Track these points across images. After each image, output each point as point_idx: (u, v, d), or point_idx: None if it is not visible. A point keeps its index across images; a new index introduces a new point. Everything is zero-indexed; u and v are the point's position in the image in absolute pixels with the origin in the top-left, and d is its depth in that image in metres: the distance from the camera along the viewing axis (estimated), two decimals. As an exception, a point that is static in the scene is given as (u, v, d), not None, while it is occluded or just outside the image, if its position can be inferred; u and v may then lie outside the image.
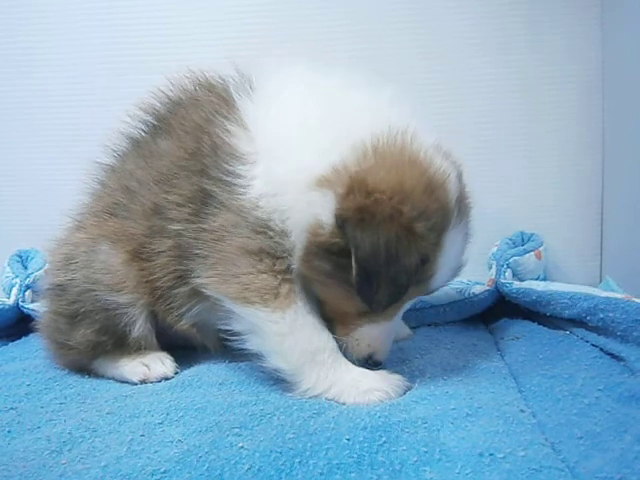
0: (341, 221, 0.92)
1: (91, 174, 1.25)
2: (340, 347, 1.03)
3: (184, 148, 1.09)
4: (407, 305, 1.04)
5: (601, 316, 1.15)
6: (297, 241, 0.98)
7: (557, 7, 1.61)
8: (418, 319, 1.43)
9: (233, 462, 0.77)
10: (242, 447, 0.82)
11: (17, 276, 1.57)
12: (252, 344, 1.03)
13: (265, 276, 1.00)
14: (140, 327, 1.13)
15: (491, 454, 0.73)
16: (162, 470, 0.77)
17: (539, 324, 1.30)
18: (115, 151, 1.23)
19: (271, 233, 0.99)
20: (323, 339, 1.01)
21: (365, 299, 0.94)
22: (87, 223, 1.20)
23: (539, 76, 1.64)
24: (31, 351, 1.36)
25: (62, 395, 1.09)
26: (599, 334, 1.16)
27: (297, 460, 0.77)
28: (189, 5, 1.70)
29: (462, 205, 0.99)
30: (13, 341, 1.51)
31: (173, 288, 1.11)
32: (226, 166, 1.02)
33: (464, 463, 0.72)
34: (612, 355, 1.09)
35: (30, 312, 1.52)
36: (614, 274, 1.54)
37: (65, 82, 1.75)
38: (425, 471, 0.72)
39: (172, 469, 0.77)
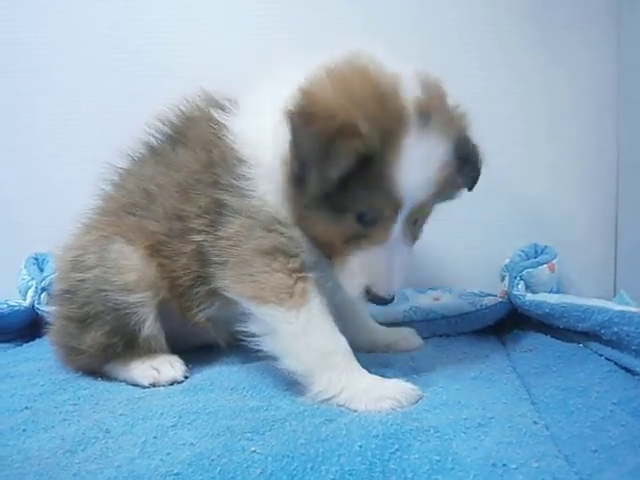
0: (290, 126, 0.96)
1: (104, 176, 1.28)
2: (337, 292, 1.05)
3: (198, 161, 1.14)
4: (395, 226, 0.98)
5: (615, 330, 1.14)
6: None
7: (575, 18, 1.62)
8: (429, 330, 1.42)
9: (245, 466, 0.78)
10: (254, 451, 0.82)
11: (33, 278, 1.59)
12: (267, 345, 1.05)
13: (280, 275, 1.03)
14: (150, 326, 1.15)
15: (504, 464, 0.73)
16: (175, 472, 0.77)
17: (552, 337, 1.29)
18: (131, 156, 1.27)
19: (281, 228, 1.04)
20: (337, 342, 1.02)
21: (298, 187, 0.97)
22: (98, 223, 1.22)
23: (557, 90, 1.64)
24: (45, 352, 1.37)
25: (75, 396, 1.10)
26: (613, 348, 1.15)
27: (309, 466, 0.77)
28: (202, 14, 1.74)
29: (426, 116, 0.95)
30: (27, 342, 1.53)
31: (192, 287, 1.15)
32: (235, 170, 1.07)
33: (477, 473, 0.72)
34: (626, 369, 1.09)
35: (45, 314, 1.53)
36: (628, 287, 1.53)
37: (82, 87, 1.77)
38: (437, 480, 0.72)
39: (184, 471, 0.77)
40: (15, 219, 1.82)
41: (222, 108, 1.16)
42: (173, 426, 0.93)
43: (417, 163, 0.94)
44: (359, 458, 0.77)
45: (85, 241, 1.20)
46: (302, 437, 0.86)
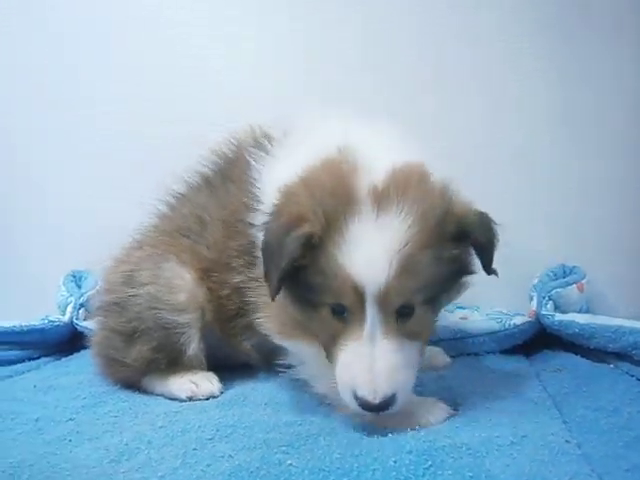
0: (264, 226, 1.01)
1: (159, 198, 1.35)
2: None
3: (240, 200, 1.18)
4: (367, 318, 0.91)
5: (647, 350, 1.15)
6: None
7: (606, 39, 1.63)
8: (458, 349, 1.43)
9: (283, 479, 0.81)
10: (291, 465, 0.85)
11: (72, 295, 1.66)
12: (300, 374, 1.11)
13: None
14: (195, 347, 1.20)
15: (537, 483, 0.74)
16: (216, 483, 0.80)
17: (582, 356, 1.30)
18: (187, 181, 1.33)
19: None
20: None
21: (266, 282, 0.98)
22: (151, 240, 1.28)
23: (585, 109, 1.66)
24: (84, 366, 1.43)
25: (116, 409, 1.15)
26: (645, 369, 1.15)
27: None
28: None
29: (381, 202, 0.92)
30: (66, 356, 1.59)
31: (235, 317, 1.21)
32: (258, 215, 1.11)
33: (511, 490, 0.73)
34: (658, 390, 1.09)
35: (83, 329, 1.59)
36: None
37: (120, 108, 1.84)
38: (472, 497, 0.73)
39: (225, 483, 0.80)
40: (52, 238, 1.89)
41: (262, 149, 1.20)
42: (211, 439, 0.97)
43: (366, 246, 0.90)
44: (394, 473, 0.79)
45: (137, 257, 1.26)
46: (336, 452, 0.88)
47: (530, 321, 1.43)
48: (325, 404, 1.07)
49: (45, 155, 1.89)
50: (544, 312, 1.41)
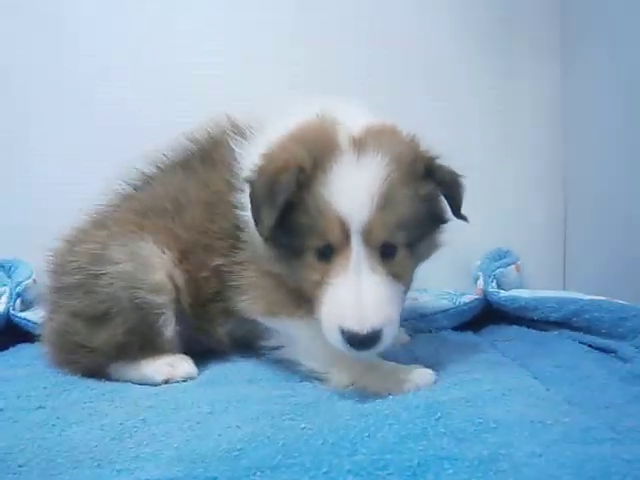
0: (249, 187, 1.05)
1: (122, 177, 1.29)
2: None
3: (223, 181, 1.19)
4: (352, 252, 0.96)
5: (587, 317, 1.30)
6: None
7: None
8: (414, 327, 1.51)
9: (305, 438, 0.81)
10: (304, 428, 0.86)
11: (5, 284, 1.51)
12: (288, 354, 1.13)
13: (286, 291, 1.10)
14: (171, 330, 1.16)
15: (540, 421, 0.82)
16: (238, 448, 0.79)
17: (527, 327, 1.44)
18: (158, 164, 1.31)
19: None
20: None
21: (258, 227, 1.02)
22: (118, 220, 1.21)
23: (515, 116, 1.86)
24: (29, 359, 1.30)
25: (86, 396, 1.06)
26: (585, 333, 1.31)
27: (365, 435, 0.82)
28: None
29: (359, 148, 1.01)
30: (0, 351, 1.44)
31: (212, 301, 1.19)
32: (242, 197, 1.13)
33: (520, 429, 0.80)
34: (600, 349, 1.24)
35: (20, 321, 1.46)
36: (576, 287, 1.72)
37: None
38: (487, 437, 0.79)
39: (247, 447, 0.79)
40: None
41: (243, 136, 1.22)
42: (210, 413, 0.94)
43: (349, 184, 0.98)
44: (410, 425, 0.83)
45: (104, 235, 1.18)
46: (345, 415, 0.90)
47: (478, 298, 1.54)
48: (310, 379, 1.09)
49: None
50: (490, 289, 1.53)
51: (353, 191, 0.97)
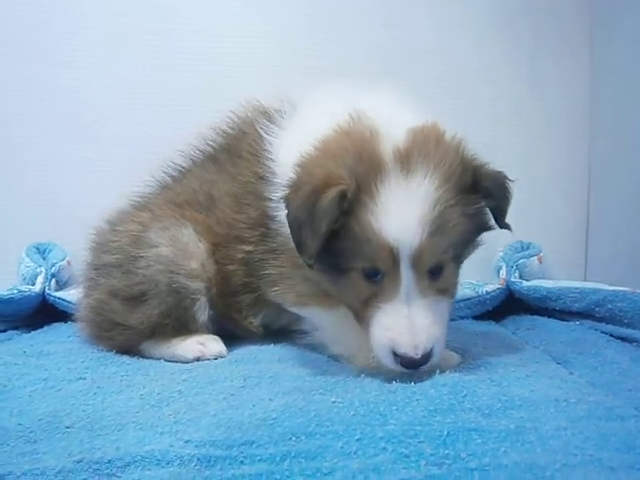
0: (285, 204, 1.02)
1: (161, 168, 1.35)
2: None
3: (251, 171, 1.20)
4: (402, 278, 0.94)
5: (609, 307, 1.32)
6: None
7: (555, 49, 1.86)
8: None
9: (336, 410, 0.85)
10: (335, 402, 0.89)
11: (41, 265, 1.56)
12: (316, 338, 1.17)
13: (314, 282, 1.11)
14: (205, 314, 1.20)
15: (565, 400, 0.85)
16: (273, 417, 0.82)
17: (549, 317, 1.45)
18: (191, 158, 1.34)
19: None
20: None
21: (300, 253, 0.98)
22: (159, 206, 1.25)
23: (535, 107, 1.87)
24: (65, 336, 1.37)
25: (123, 369, 1.11)
26: (607, 323, 1.32)
27: (394, 408, 0.84)
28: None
29: (406, 162, 0.96)
30: (35, 330, 1.49)
31: (239, 293, 1.23)
32: (274, 187, 1.12)
33: (546, 406, 0.83)
34: (621, 339, 1.25)
35: (55, 300, 1.51)
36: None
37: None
38: (512, 413, 0.82)
39: (281, 416, 0.83)
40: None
41: (271, 121, 1.21)
42: (242, 387, 0.98)
43: (398, 209, 0.93)
44: (437, 401, 0.86)
45: (144, 217, 1.22)
46: (373, 391, 0.93)
47: (501, 288, 1.56)
48: (338, 361, 1.13)
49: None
50: (513, 279, 1.55)
51: (402, 217, 0.93)
